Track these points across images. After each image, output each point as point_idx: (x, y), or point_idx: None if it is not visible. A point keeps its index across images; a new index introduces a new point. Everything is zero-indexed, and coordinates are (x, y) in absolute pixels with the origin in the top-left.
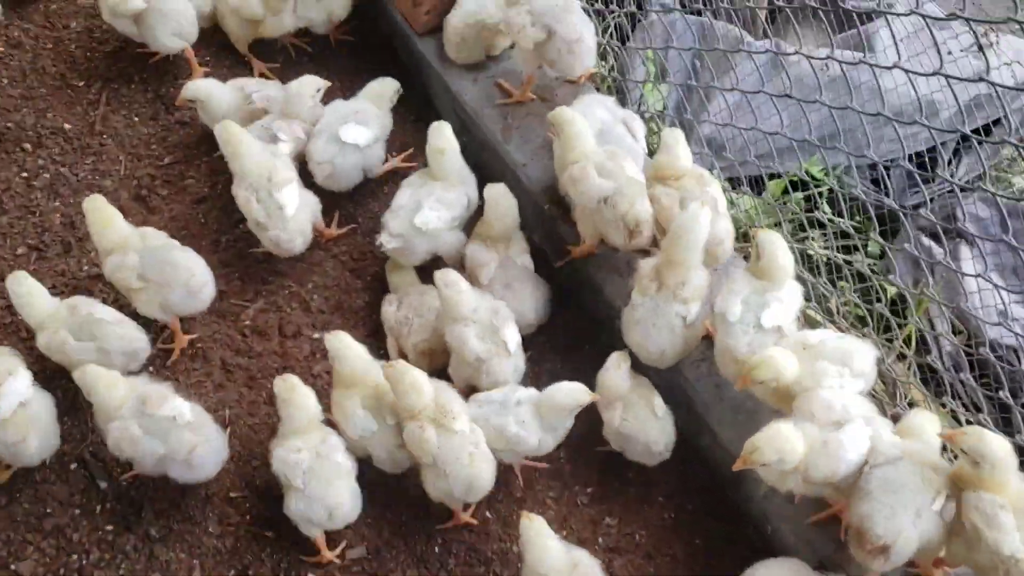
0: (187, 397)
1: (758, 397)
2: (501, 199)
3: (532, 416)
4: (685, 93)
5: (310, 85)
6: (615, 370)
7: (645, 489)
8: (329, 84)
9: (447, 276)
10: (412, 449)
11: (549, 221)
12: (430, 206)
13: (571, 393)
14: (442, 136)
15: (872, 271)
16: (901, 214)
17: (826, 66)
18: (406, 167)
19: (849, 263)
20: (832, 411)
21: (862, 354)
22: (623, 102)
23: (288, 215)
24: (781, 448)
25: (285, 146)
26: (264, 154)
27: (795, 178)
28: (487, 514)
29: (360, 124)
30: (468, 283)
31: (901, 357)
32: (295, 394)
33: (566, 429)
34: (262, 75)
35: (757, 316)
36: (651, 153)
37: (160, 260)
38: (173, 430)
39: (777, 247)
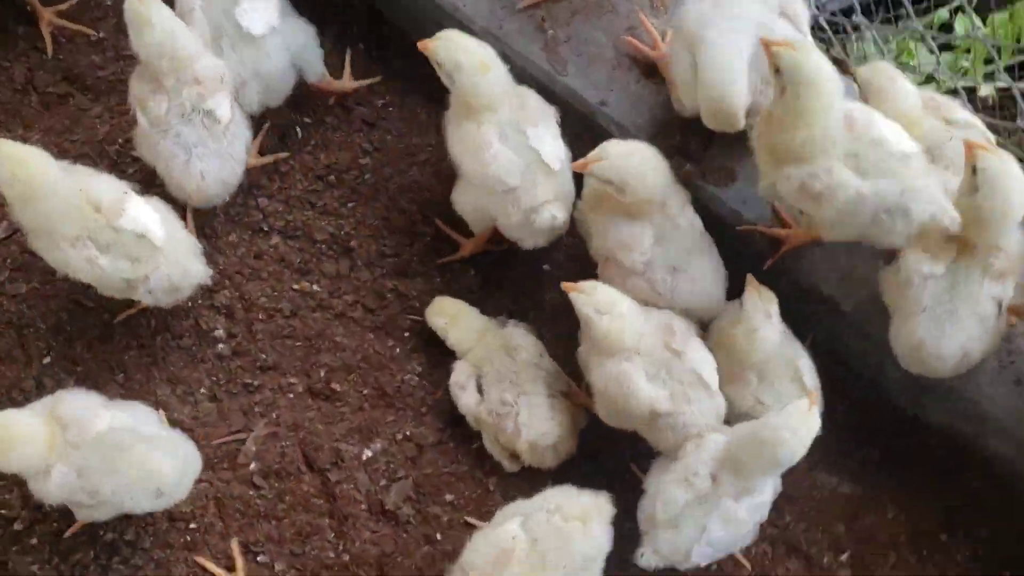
0: None
1: None
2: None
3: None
4: None
5: None
6: (766, 320)
7: (932, 549)
8: None
9: (599, 296)
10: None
11: None
12: (549, 139)
13: (784, 432)
14: (469, 49)
15: None
16: None
17: None
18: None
19: None
20: None
21: None
22: None
23: (159, 240)
24: None
25: (224, 112)
26: (73, 183)
27: None
28: None
29: None
30: (623, 296)
31: None
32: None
33: None
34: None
35: None
36: None
37: None
38: None
39: None
